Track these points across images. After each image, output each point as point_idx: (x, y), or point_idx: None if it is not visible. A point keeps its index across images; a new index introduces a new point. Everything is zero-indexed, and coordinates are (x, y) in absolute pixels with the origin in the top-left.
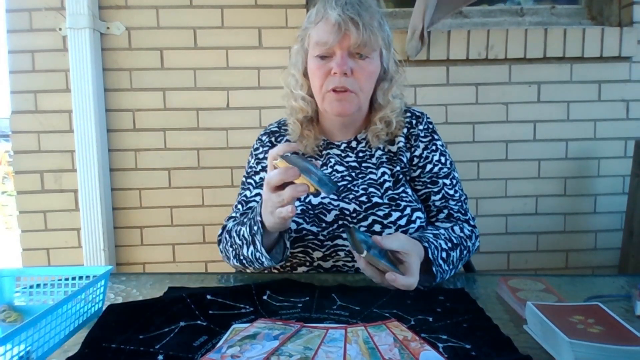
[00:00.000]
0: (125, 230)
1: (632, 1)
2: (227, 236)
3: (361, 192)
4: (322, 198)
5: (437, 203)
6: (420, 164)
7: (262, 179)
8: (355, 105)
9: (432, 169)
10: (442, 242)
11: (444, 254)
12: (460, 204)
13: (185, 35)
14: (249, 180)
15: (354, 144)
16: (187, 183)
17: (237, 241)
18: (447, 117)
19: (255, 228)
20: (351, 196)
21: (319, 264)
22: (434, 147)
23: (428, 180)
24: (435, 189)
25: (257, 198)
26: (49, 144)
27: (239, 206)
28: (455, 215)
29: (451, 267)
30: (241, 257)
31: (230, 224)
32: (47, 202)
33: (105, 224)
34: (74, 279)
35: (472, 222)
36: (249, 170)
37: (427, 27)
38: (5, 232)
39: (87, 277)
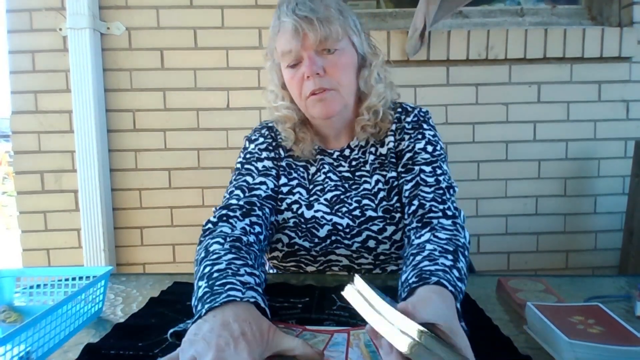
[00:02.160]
0: (125, 230)
1: (632, 1)
2: (203, 252)
3: (354, 205)
4: (315, 211)
5: (407, 193)
6: (402, 155)
7: (265, 167)
8: (339, 103)
9: (410, 157)
10: (444, 260)
11: (455, 273)
12: (440, 191)
13: (185, 36)
14: (247, 166)
15: (347, 152)
16: (187, 183)
17: (195, 276)
18: (447, 118)
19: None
20: (344, 209)
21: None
22: (419, 136)
23: (403, 170)
24: (409, 177)
25: (263, 187)
26: (49, 144)
27: (238, 192)
28: (428, 204)
29: (464, 277)
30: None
31: (211, 243)
32: (47, 202)
33: (106, 224)
34: (74, 279)
35: (449, 212)
36: (249, 156)
37: (429, 26)
38: (6, 233)
39: (87, 277)
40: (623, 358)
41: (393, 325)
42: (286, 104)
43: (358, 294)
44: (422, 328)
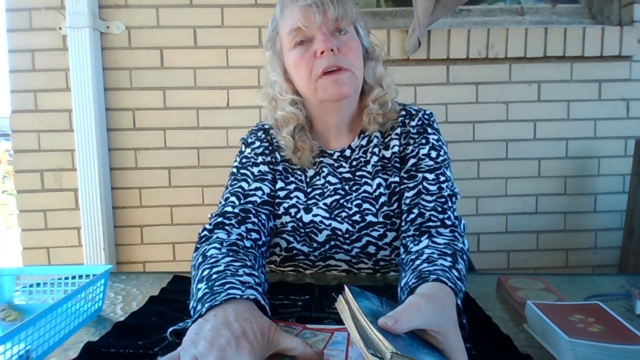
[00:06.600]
0: (125, 229)
1: (633, 0)
2: (200, 257)
3: (354, 209)
4: (314, 216)
5: (408, 201)
6: (405, 160)
7: (261, 172)
8: (353, 85)
9: (414, 163)
10: (442, 262)
11: (455, 273)
12: (442, 199)
13: (185, 35)
14: (243, 171)
15: (347, 152)
16: (187, 182)
17: (193, 281)
18: (447, 116)
19: (198, 309)
20: (344, 214)
21: None
22: (423, 141)
23: (405, 175)
24: (411, 184)
25: (259, 193)
26: (49, 143)
27: (233, 199)
28: (428, 214)
29: (464, 278)
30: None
31: (208, 249)
32: (47, 201)
33: (106, 222)
34: (73, 277)
35: (448, 222)
36: (245, 160)
37: (426, 26)
38: (6, 231)
39: (87, 276)
40: (623, 357)
41: (368, 348)
42: (290, 97)
43: (346, 306)
44: (394, 350)
